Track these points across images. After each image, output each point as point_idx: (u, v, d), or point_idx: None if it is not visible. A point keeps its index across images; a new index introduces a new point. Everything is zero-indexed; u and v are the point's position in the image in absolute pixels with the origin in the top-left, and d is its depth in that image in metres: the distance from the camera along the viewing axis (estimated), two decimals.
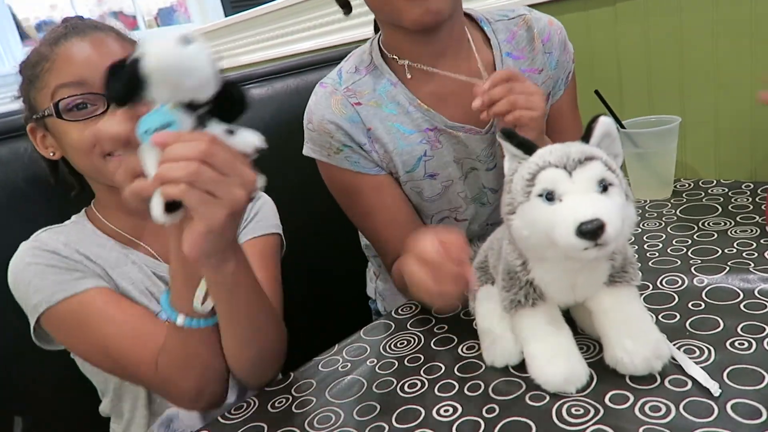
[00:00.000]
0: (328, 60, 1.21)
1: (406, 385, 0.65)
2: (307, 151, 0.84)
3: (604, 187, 0.52)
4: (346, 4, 0.83)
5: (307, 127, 0.83)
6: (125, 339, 0.68)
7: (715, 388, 0.52)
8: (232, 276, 0.60)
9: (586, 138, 0.56)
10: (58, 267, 0.70)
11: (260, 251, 0.80)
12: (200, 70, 0.49)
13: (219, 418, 0.67)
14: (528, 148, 0.56)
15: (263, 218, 0.84)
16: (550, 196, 0.52)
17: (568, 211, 0.50)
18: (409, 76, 0.79)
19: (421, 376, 0.66)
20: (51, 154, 0.75)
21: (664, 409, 0.52)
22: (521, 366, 0.61)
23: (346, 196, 0.84)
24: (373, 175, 0.82)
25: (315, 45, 1.90)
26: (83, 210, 0.80)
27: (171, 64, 0.48)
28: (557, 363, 0.57)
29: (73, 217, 0.79)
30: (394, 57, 0.80)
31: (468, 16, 0.84)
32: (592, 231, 0.48)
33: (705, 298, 0.68)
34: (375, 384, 0.66)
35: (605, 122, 0.56)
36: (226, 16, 3.42)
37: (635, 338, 0.57)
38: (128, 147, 0.51)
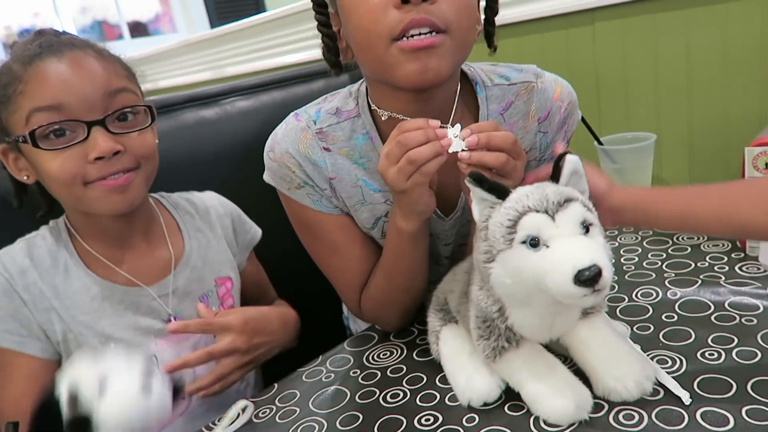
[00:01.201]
0: (315, 73, 1.22)
1: (389, 395, 0.66)
2: (267, 178, 0.78)
3: (586, 228, 0.51)
4: (337, 65, 0.74)
5: (268, 155, 0.76)
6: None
7: (686, 396, 0.54)
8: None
9: (555, 177, 0.55)
10: (5, 307, 0.70)
11: (256, 265, 0.93)
12: (154, 417, 0.46)
13: (203, 429, 0.67)
14: (500, 192, 0.54)
15: (244, 237, 0.90)
16: (534, 242, 0.50)
17: (562, 259, 0.48)
18: (384, 118, 0.71)
19: (404, 386, 0.67)
20: (25, 177, 0.71)
21: (636, 417, 0.54)
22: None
23: (309, 233, 0.78)
24: (336, 215, 0.77)
25: (302, 58, 1.92)
26: (62, 219, 0.77)
27: (128, 420, 0.44)
28: (564, 395, 0.55)
29: (49, 226, 0.76)
30: (376, 108, 0.72)
31: (463, 74, 0.76)
32: (591, 278, 0.47)
33: (678, 310, 0.70)
34: (358, 394, 0.67)
35: (573, 160, 0.55)
36: (212, 27, 3.42)
37: (622, 364, 0.57)
38: None
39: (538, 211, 0.51)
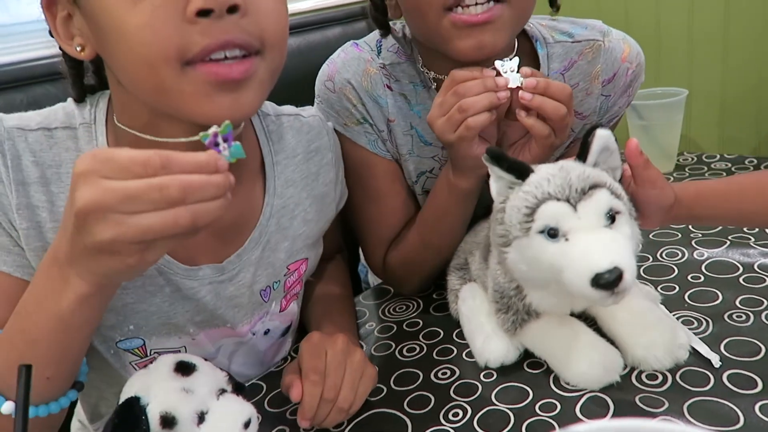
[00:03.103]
0: (331, 20, 1.18)
1: (405, 348, 0.65)
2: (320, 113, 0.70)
3: (612, 217, 0.47)
4: (385, 25, 0.68)
5: (325, 85, 0.69)
6: None
7: (716, 359, 0.53)
8: None
9: (582, 155, 0.51)
10: None
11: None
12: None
13: None
14: (520, 172, 0.50)
15: (341, 185, 0.71)
16: (553, 233, 0.47)
17: (580, 258, 0.45)
18: (433, 86, 0.67)
19: (420, 340, 0.66)
20: (78, 48, 0.47)
21: (660, 378, 0.52)
22: None
23: (353, 175, 0.72)
24: (388, 160, 0.71)
25: (318, 4, 1.85)
26: (106, 101, 0.53)
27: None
28: (590, 358, 0.53)
29: (85, 121, 0.52)
30: (425, 69, 0.68)
31: (523, 31, 0.69)
32: (610, 282, 0.43)
33: (704, 271, 0.68)
34: (374, 347, 0.67)
35: (603, 136, 0.51)
36: None
37: (651, 332, 0.54)
38: None
39: (558, 200, 0.47)
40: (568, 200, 0.47)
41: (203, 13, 0.42)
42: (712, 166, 1.01)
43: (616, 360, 0.53)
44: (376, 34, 0.71)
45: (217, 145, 0.40)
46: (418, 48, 0.69)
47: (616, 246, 0.46)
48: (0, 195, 0.49)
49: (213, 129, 0.40)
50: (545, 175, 0.49)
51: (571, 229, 0.46)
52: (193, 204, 0.36)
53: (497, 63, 0.58)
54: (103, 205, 0.35)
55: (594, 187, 0.47)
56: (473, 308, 0.63)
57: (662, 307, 0.61)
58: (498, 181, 0.52)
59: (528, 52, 0.69)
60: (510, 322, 0.56)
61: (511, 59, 0.57)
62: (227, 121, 0.40)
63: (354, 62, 0.68)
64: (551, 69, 0.69)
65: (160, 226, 0.36)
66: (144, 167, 0.36)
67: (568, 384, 0.54)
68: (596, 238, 0.46)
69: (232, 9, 0.43)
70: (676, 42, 1.13)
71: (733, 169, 0.97)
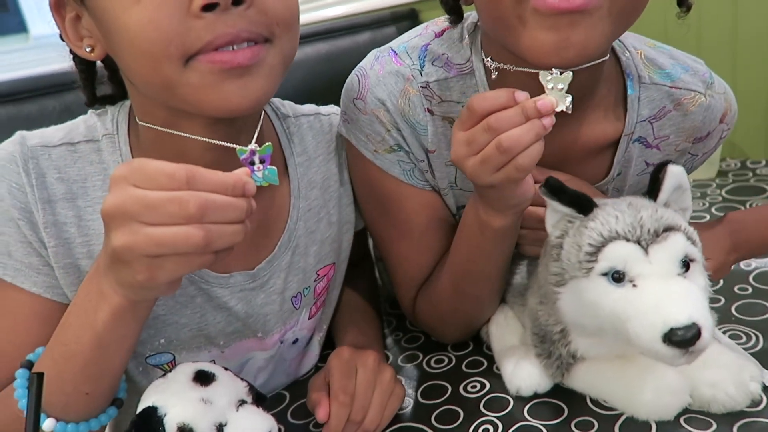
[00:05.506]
0: (360, 25, 1.18)
1: (433, 360, 0.63)
2: (345, 133, 0.60)
3: (686, 265, 0.42)
4: (456, 10, 0.56)
5: (354, 104, 0.58)
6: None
7: (767, 376, 0.49)
8: None
9: (653, 192, 0.45)
10: (21, 225, 0.48)
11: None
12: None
13: None
14: (582, 206, 0.45)
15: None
16: (618, 277, 0.42)
17: (652, 309, 0.40)
18: (494, 76, 0.53)
19: (449, 351, 0.64)
20: (87, 49, 0.47)
21: None
22: None
23: (381, 207, 0.61)
24: (426, 191, 0.60)
25: (347, 11, 1.86)
26: (126, 111, 0.53)
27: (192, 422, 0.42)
28: (655, 386, 0.47)
29: (108, 131, 0.52)
30: (487, 61, 0.54)
31: (616, 58, 0.57)
32: (687, 340, 0.39)
33: (753, 282, 0.64)
34: (400, 358, 0.65)
35: (676, 173, 0.45)
36: None
37: (716, 367, 0.47)
38: None
39: (628, 240, 0.42)
40: (638, 242, 0.42)
41: (208, 7, 0.40)
42: (757, 172, 0.96)
43: (680, 381, 0.47)
44: (418, 37, 0.59)
45: (252, 163, 0.39)
46: (487, 44, 0.56)
47: (692, 298, 0.41)
48: (28, 214, 0.48)
49: (251, 146, 0.40)
50: (612, 211, 0.44)
51: (641, 274, 0.42)
52: (209, 224, 0.35)
53: (542, 75, 0.44)
54: (123, 210, 0.35)
55: (668, 229, 0.42)
56: (505, 329, 0.60)
57: (720, 333, 0.55)
58: (554, 213, 0.47)
59: (616, 87, 0.57)
60: (555, 368, 0.52)
61: (562, 73, 0.44)
62: (269, 143, 0.40)
63: (391, 79, 0.57)
64: (640, 115, 0.57)
65: (171, 240, 0.35)
66: (170, 179, 0.35)
67: (639, 420, 0.48)
68: (670, 288, 0.41)
69: (238, 1, 0.41)
70: (718, 41, 1.08)
71: None
